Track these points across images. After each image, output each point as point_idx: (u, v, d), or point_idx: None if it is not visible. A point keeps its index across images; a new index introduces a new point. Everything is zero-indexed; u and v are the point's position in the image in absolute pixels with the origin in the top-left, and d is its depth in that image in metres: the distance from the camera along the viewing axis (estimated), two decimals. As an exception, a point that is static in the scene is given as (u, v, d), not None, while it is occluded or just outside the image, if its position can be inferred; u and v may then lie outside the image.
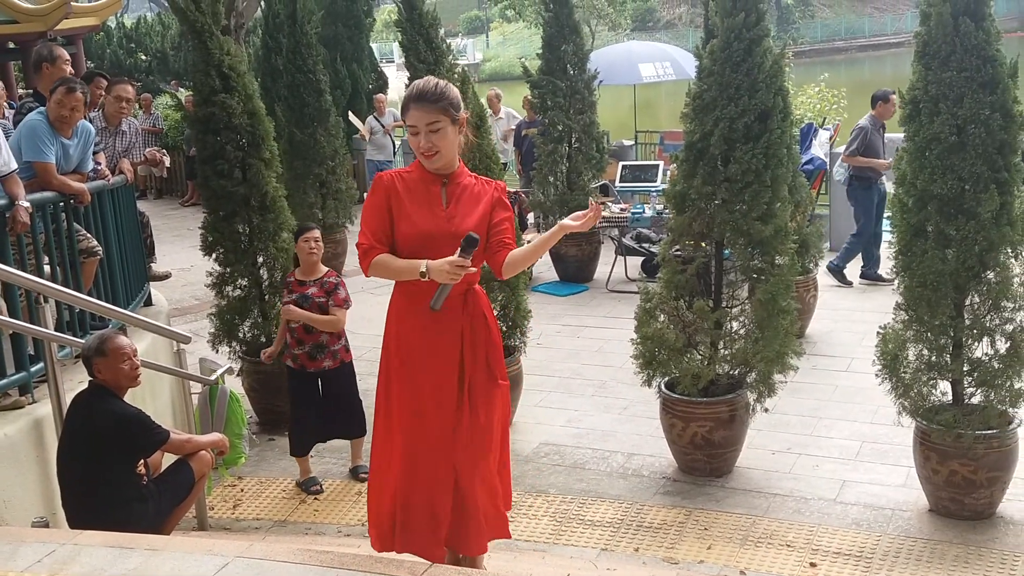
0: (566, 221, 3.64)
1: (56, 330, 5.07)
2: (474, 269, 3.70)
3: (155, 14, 37.02)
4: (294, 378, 6.36)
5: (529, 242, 10.15)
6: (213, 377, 6.00)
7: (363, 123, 15.99)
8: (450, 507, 3.90)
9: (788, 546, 5.33)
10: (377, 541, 4.10)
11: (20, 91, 14.43)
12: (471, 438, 3.84)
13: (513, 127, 14.29)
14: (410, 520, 3.94)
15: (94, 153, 6.35)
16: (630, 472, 6.39)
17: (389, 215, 3.79)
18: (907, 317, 5.53)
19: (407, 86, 7.55)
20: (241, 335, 7.44)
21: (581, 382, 8.05)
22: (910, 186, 5.39)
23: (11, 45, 16.43)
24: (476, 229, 3.71)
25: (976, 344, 5.45)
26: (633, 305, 6.60)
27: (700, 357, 6.12)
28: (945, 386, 5.59)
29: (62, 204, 5.78)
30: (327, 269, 6.44)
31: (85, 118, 6.19)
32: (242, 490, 6.37)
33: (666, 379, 6.24)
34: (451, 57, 7.69)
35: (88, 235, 6.06)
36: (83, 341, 5.11)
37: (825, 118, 12.31)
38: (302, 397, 6.33)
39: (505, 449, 4.12)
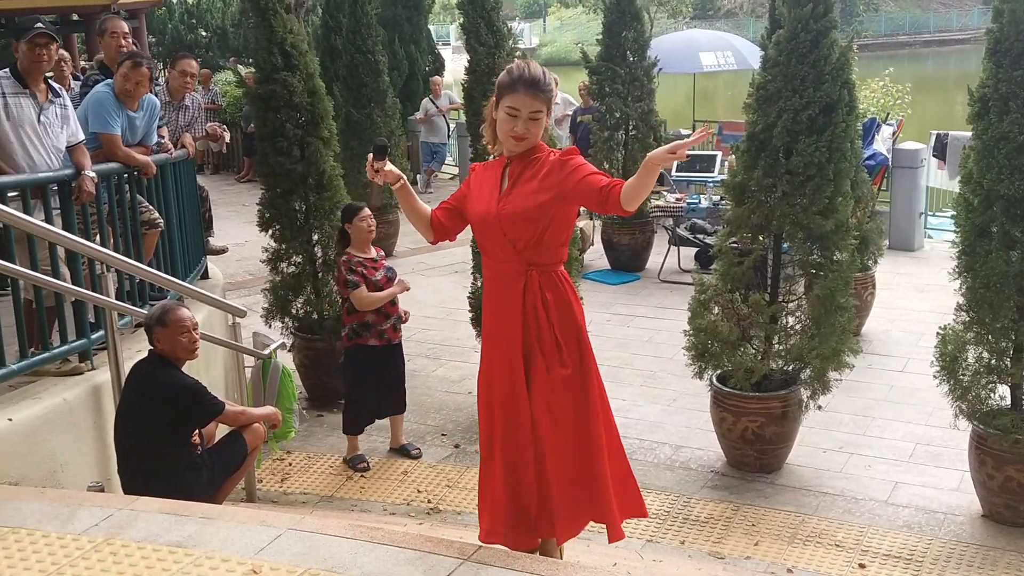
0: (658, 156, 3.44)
1: (117, 299, 5.14)
2: (399, 175, 3.72)
3: (217, -10, 37.38)
4: (357, 356, 6.36)
5: (582, 229, 10.08)
6: (266, 352, 6.06)
7: (422, 113, 16.09)
8: (534, 493, 3.84)
9: (837, 546, 5.28)
10: (484, 533, 3.94)
11: (83, 63, 14.67)
12: (540, 423, 3.77)
13: (569, 113, 14.23)
14: (503, 512, 3.88)
15: (158, 127, 6.43)
16: (678, 464, 6.36)
17: (463, 195, 3.92)
18: (968, 319, 5.44)
19: (467, 69, 7.65)
20: (294, 311, 7.51)
21: (630, 372, 8.02)
22: (976, 185, 5.29)
23: (75, 17, 16.71)
24: (529, 204, 3.66)
25: (1038, 348, 5.35)
26: (685, 296, 6.55)
27: (754, 351, 6.07)
28: (1004, 390, 5.49)
29: (126, 176, 5.86)
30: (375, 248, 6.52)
31: (151, 92, 6.26)
32: (290, 464, 6.43)
33: (718, 372, 6.20)
34: (512, 41, 7.67)
35: (150, 207, 6.14)
36: (143, 311, 5.18)
37: (888, 113, 12.10)
38: (363, 376, 6.37)
39: (593, 436, 3.86)
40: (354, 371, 6.41)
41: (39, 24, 5.27)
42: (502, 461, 3.86)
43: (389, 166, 3.71)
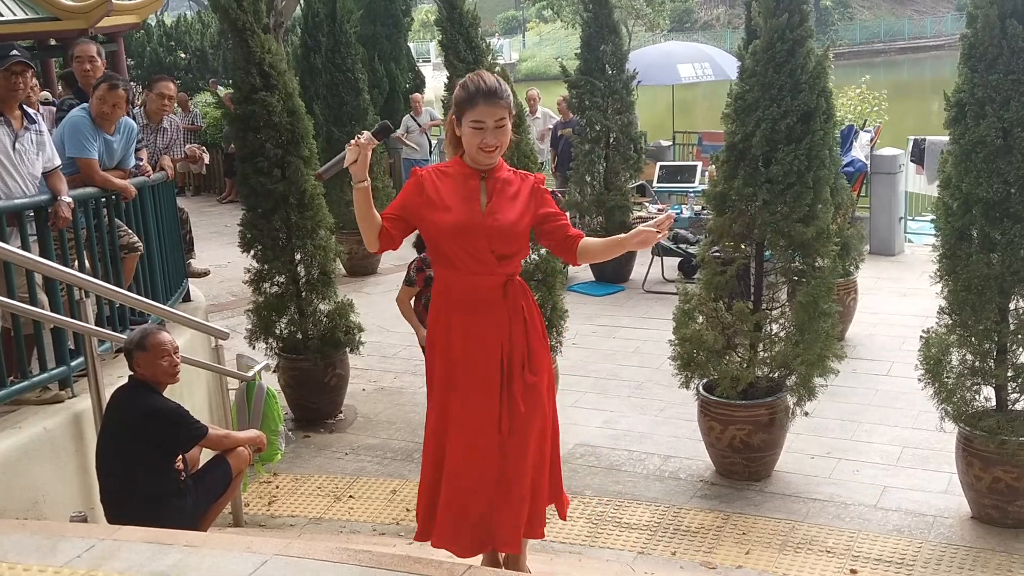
0: (643, 228, 3.58)
1: (96, 325, 5.10)
2: (367, 141, 3.59)
3: (195, 13, 37.33)
4: None
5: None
6: (250, 373, 6.02)
7: (403, 131, 16.05)
8: (487, 501, 3.86)
9: (828, 552, 5.27)
10: (419, 532, 4.06)
11: (60, 87, 14.61)
12: (511, 430, 3.81)
13: (550, 127, 14.26)
14: (448, 513, 3.91)
15: (136, 150, 6.39)
16: (667, 475, 6.35)
17: (413, 202, 3.77)
18: (951, 321, 5.45)
19: (446, 85, 7.65)
20: (278, 332, 7.47)
21: (617, 383, 8.01)
22: (955, 189, 5.30)
23: (52, 42, 16.63)
24: (517, 221, 3.74)
25: (1021, 349, 5.36)
26: (669, 306, 6.55)
27: (739, 359, 6.07)
28: (989, 391, 5.51)
29: (104, 199, 5.81)
30: None
31: (128, 115, 6.23)
32: (277, 487, 6.38)
33: (704, 381, 6.19)
34: (490, 56, 7.67)
35: (129, 231, 6.09)
36: (123, 336, 5.14)
37: (866, 120, 12.19)
38: None
39: (550, 443, 4.03)
40: None
41: (14, 52, 5.23)
42: (457, 468, 3.88)
43: (367, 156, 3.59)
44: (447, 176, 3.81)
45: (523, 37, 64.82)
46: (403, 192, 3.83)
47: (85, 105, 6.00)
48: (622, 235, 3.75)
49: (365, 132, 3.64)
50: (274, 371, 7.26)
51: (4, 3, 15.22)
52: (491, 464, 3.83)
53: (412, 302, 6.36)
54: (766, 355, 6.06)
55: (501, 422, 3.78)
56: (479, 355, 3.80)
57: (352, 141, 3.59)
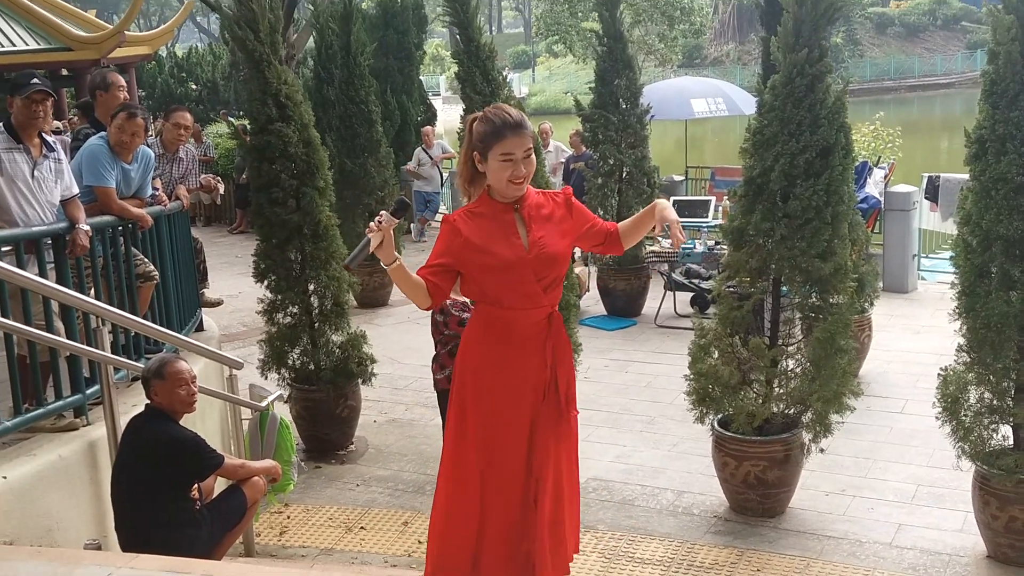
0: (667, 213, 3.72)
1: (112, 353, 5.09)
2: (395, 221, 3.56)
3: (206, 44, 37.70)
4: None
5: (578, 275, 10.07)
6: (263, 404, 6.00)
7: (415, 164, 16.13)
8: (521, 539, 3.83)
9: (844, 591, 5.21)
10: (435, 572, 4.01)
11: (72, 117, 14.70)
12: (543, 467, 3.78)
13: (562, 160, 14.29)
14: (484, 558, 3.87)
15: (152, 179, 6.41)
16: (680, 510, 6.30)
17: (454, 246, 3.74)
18: (969, 359, 5.42)
19: (462, 118, 7.67)
20: (290, 362, 7.45)
21: (630, 417, 7.97)
22: (975, 226, 5.29)
23: (64, 72, 16.77)
24: (559, 245, 3.78)
25: (1040, 388, 5.32)
26: (682, 341, 6.52)
27: (755, 395, 6.03)
28: (1007, 430, 5.46)
29: (120, 228, 5.83)
30: None
31: (144, 144, 6.26)
32: (288, 517, 6.34)
33: (719, 416, 6.16)
34: (507, 89, 7.72)
35: (145, 259, 6.10)
36: (139, 364, 5.13)
37: (880, 157, 12.18)
38: None
39: (574, 482, 4.04)
40: None
41: (35, 80, 5.27)
42: (493, 508, 3.86)
43: (391, 237, 3.53)
44: (480, 216, 3.76)
45: (533, 72, 65.21)
46: (440, 241, 3.78)
47: (103, 134, 6.04)
48: (644, 210, 3.90)
49: (384, 212, 3.53)
50: (286, 401, 7.25)
51: (18, 33, 15.39)
52: (522, 500, 3.80)
53: (432, 323, 6.23)
54: (782, 391, 6.03)
55: (534, 459, 3.76)
56: (521, 388, 3.77)
57: (372, 224, 3.51)
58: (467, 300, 5.99)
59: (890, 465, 6.85)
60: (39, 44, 15.44)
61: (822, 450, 6.10)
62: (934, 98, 53.29)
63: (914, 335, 9.95)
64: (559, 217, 3.80)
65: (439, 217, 17.29)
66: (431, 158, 16.26)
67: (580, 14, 31.53)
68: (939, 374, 5.57)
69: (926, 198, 12.19)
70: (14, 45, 15.25)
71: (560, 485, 3.90)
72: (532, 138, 3.74)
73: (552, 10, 33.25)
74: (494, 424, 3.84)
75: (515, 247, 3.70)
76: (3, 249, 4.79)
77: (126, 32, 16.16)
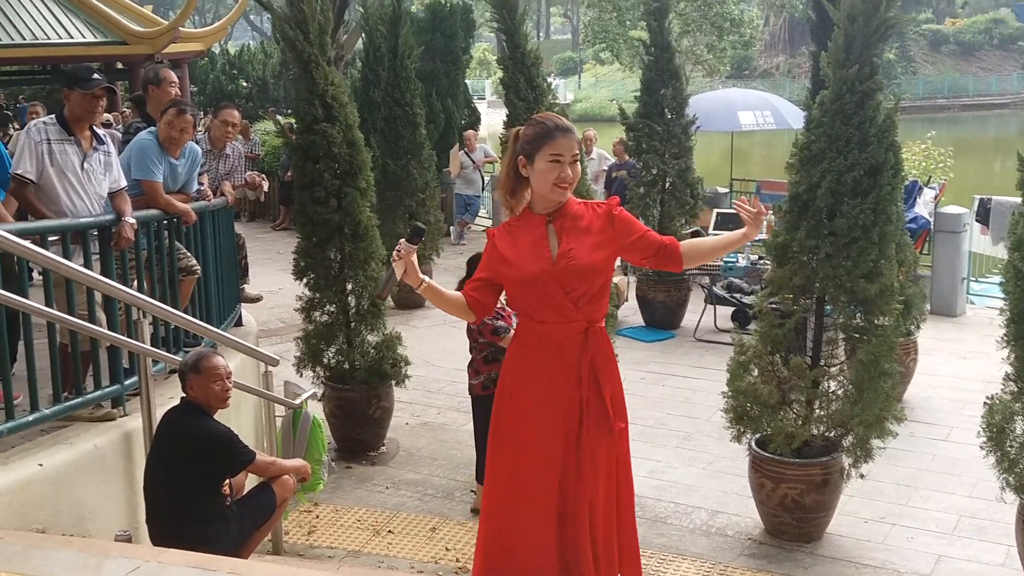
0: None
1: (152, 345, 5.11)
2: (413, 248, 3.66)
3: (258, 43, 38.05)
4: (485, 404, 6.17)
5: (616, 285, 9.97)
6: (298, 401, 6.01)
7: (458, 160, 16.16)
8: (555, 552, 3.77)
9: (879, 620, 5.11)
10: None
11: (126, 109, 14.88)
12: (580, 482, 3.72)
13: (604, 168, 14.24)
14: (513, 564, 3.84)
15: (198, 175, 6.45)
16: (714, 530, 6.21)
17: (491, 261, 3.84)
18: (1017, 388, 5.28)
19: (505, 123, 7.64)
20: (326, 361, 7.46)
21: (665, 432, 7.89)
22: (1026, 252, 5.16)
23: (119, 65, 17.00)
24: (591, 257, 3.68)
25: (1089, 421, 5.18)
26: (721, 356, 6.44)
27: (794, 416, 5.93)
28: (1054, 463, 5.32)
29: (165, 222, 5.86)
30: None
31: (192, 140, 6.30)
32: (317, 516, 6.34)
33: (757, 436, 6.06)
34: (551, 96, 7.68)
35: (188, 254, 6.14)
36: (177, 357, 5.15)
37: (930, 177, 12.01)
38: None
39: (624, 499, 3.91)
40: (485, 420, 6.17)
41: (97, 75, 5.31)
42: (536, 521, 3.80)
43: (414, 262, 3.65)
44: (516, 228, 3.81)
45: (579, 78, 65.17)
46: (483, 255, 3.91)
47: (153, 129, 6.07)
48: (733, 234, 3.82)
49: (402, 241, 3.66)
50: (320, 400, 7.26)
51: (76, 26, 15.61)
52: (552, 514, 3.75)
53: (467, 329, 6.21)
54: (822, 413, 5.92)
55: (569, 472, 3.71)
56: (553, 401, 3.73)
57: (394, 255, 3.65)
58: (502, 306, 5.98)
59: (932, 494, 6.71)
60: (95, 37, 15.67)
61: (862, 475, 5.98)
62: (988, 118, 52.54)
63: (961, 360, 9.78)
64: (597, 228, 3.71)
65: (478, 221, 17.35)
66: (473, 161, 16.29)
67: (628, 23, 31.49)
68: (985, 402, 5.44)
69: (977, 220, 11.98)
70: (71, 37, 15.49)
71: (612, 502, 3.81)
72: (579, 146, 3.73)
73: (600, 18, 33.24)
74: (524, 438, 3.81)
75: (542, 260, 3.69)
76: (50, 239, 4.83)
77: (180, 28, 16.36)
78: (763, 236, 9.68)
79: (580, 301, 3.68)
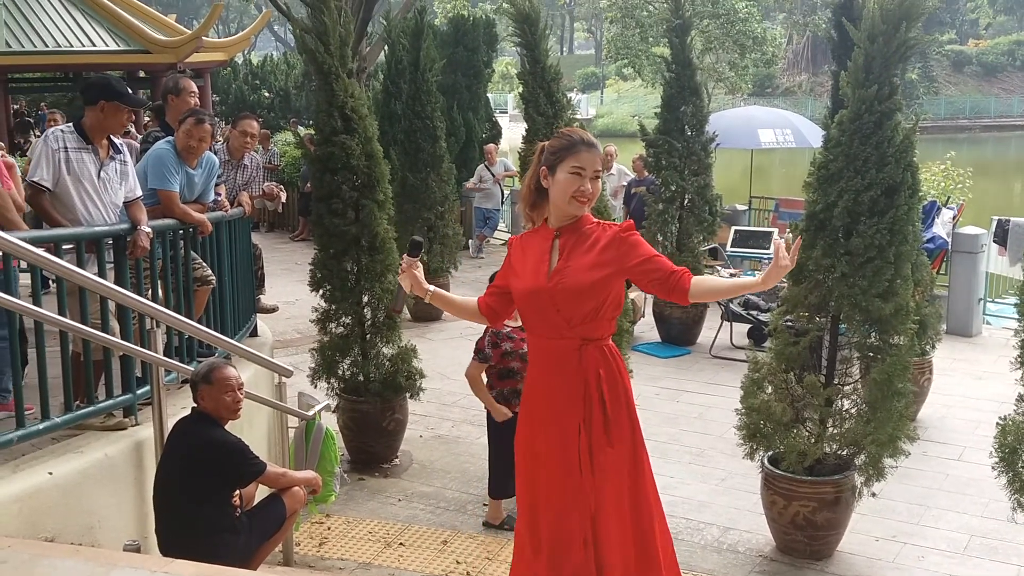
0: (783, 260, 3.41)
1: (164, 355, 5.14)
2: (418, 264, 3.84)
3: (281, 53, 38.27)
4: (505, 422, 6.07)
5: (633, 300, 9.97)
6: (311, 413, 6.02)
7: (476, 180, 16.25)
8: (575, 564, 3.75)
9: (890, 642, 5.07)
10: None
11: (146, 118, 15.00)
12: (584, 500, 3.68)
13: (624, 184, 14.23)
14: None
15: (216, 185, 6.48)
16: (725, 547, 6.18)
17: (505, 271, 3.93)
18: (1030, 410, 5.25)
19: (524, 138, 7.66)
20: (340, 372, 7.48)
21: (678, 448, 7.86)
22: (1043, 273, 5.13)
23: (141, 74, 17.14)
24: (585, 278, 3.62)
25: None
26: (736, 373, 6.41)
27: (807, 434, 5.91)
28: (1066, 485, 5.28)
29: (181, 232, 5.89)
30: None
31: (211, 150, 6.33)
32: (329, 528, 6.34)
33: (770, 453, 6.04)
34: (570, 112, 7.69)
35: (203, 264, 6.16)
36: (190, 367, 5.17)
37: (949, 197, 11.95)
38: (509, 440, 6.23)
39: (630, 522, 3.77)
40: (499, 435, 6.16)
41: (134, 93, 5.37)
42: (550, 547, 3.76)
43: (419, 274, 3.80)
44: (529, 239, 3.84)
45: (601, 93, 65.21)
46: (504, 263, 3.98)
47: (171, 138, 6.11)
48: (751, 279, 3.59)
49: (405, 256, 3.84)
50: (333, 411, 7.27)
51: (99, 34, 15.75)
52: (569, 530, 3.72)
53: (484, 376, 6.25)
54: (835, 431, 5.89)
55: (576, 489, 3.67)
56: (552, 424, 3.72)
57: (400, 270, 3.86)
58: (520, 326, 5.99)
59: (944, 513, 6.67)
60: (118, 45, 15.80)
61: (874, 494, 5.95)
62: (1009, 139, 52.24)
63: (976, 381, 9.71)
64: (600, 248, 3.64)
65: (497, 235, 17.37)
66: (493, 175, 16.31)
67: (651, 39, 31.49)
68: (998, 423, 5.41)
69: (995, 241, 11.92)
70: (94, 45, 15.62)
71: (624, 523, 3.71)
72: (602, 162, 3.73)
73: (623, 34, 33.25)
74: (535, 447, 3.81)
75: (540, 275, 3.69)
76: (65, 247, 4.86)
77: (204, 38, 16.45)
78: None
79: (573, 320, 3.63)
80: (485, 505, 6.63)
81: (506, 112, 46.39)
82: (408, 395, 7.51)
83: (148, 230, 5.28)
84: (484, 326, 5.61)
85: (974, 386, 9.53)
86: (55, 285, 4.87)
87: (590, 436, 3.66)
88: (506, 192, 16.85)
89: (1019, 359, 5.30)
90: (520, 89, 7.95)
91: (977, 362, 10.38)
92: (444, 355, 10.29)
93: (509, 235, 16.76)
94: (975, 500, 6.81)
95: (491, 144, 17.26)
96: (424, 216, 12.07)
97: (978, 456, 6.75)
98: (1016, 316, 5.47)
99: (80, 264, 4.82)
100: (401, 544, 6.12)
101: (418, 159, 12.19)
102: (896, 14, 5.61)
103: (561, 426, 3.69)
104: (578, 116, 9.41)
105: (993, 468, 5.37)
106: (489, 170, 16.31)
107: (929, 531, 6.41)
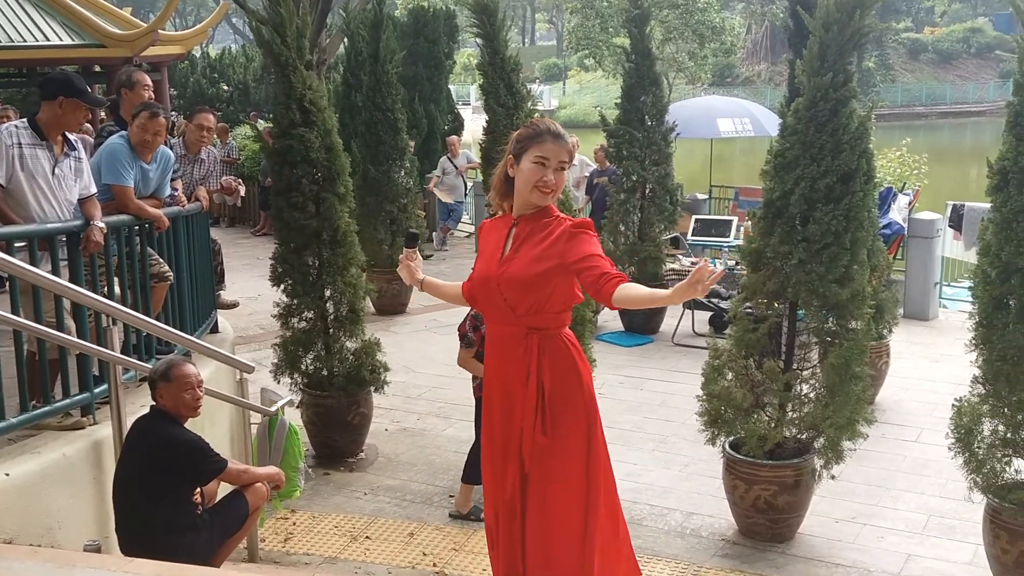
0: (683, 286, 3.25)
1: (122, 353, 5.09)
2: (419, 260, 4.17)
3: (240, 46, 37.91)
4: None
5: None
6: (274, 408, 6.00)
7: (439, 172, 16.20)
8: (519, 551, 3.78)
9: (850, 622, 5.14)
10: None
11: (102, 114, 14.82)
12: (525, 490, 3.73)
13: (586, 175, 14.27)
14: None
15: (172, 179, 6.42)
16: (688, 532, 6.24)
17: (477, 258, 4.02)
18: (984, 391, 5.34)
19: (485, 129, 7.67)
20: (303, 367, 7.44)
21: (642, 436, 7.92)
22: (994, 257, 5.21)
23: (97, 68, 16.90)
24: (528, 269, 3.63)
25: (1056, 422, 5.23)
26: (698, 360, 6.47)
27: (767, 419, 5.97)
28: (1020, 464, 5.37)
29: (136, 228, 5.83)
30: None
31: (166, 144, 6.27)
32: (294, 523, 6.33)
33: (731, 439, 6.10)
34: (530, 102, 7.70)
35: (160, 260, 6.10)
36: (148, 365, 5.13)
37: (905, 183, 12.09)
38: None
39: (583, 514, 3.74)
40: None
41: (91, 92, 5.30)
42: (500, 520, 3.86)
43: (415, 265, 4.11)
44: (493, 225, 3.92)
45: (563, 84, 65.25)
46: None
47: (124, 133, 6.05)
48: (666, 291, 3.38)
49: (404, 247, 4.18)
50: (297, 407, 7.24)
51: (53, 28, 15.51)
52: (516, 518, 3.76)
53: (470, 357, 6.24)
54: (795, 416, 5.97)
55: (514, 483, 3.72)
56: (499, 404, 3.77)
57: (399, 261, 4.19)
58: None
59: (902, 494, 6.77)
60: (72, 40, 15.54)
61: (833, 477, 6.03)
62: (965, 126, 52.90)
63: (932, 363, 9.85)
64: (550, 242, 3.62)
65: (461, 227, 17.35)
66: (455, 167, 16.29)
67: (611, 29, 31.59)
68: (953, 405, 5.50)
69: (950, 226, 12.09)
70: (48, 40, 15.39)
71: (550, 510, 3.72)
72: (569, 155, 3.73)
73: (584, 25, 33.34)
74: (490, 438, 3.88)
75: (492, 262, 3.76)
76: (17, 245, 4.79)
77: (160, 31, 16.24)
78: (739, 242, 9.74)
79: (518, 309, 3.66)
80: (451, 496, 6.64)
81: (469, 104, 46.29)
82: (373, 389, 7.49)
83: (102, 225, 5.21)
84: (459, 318, 5.75)
85: (931, 369, 9.67)
86: (8, 284, 4.80)
87: (532, 424, 3.68)
88: (469, 184, 16.84)
89: (974, 341, 5.39)
90: (481, 80, 7.95)
91: (934, 345, 10.53)
92: (409, 348, 10.29)
93: (472, 227, 16.76)
94: (933, 481, 6.92)
95: (453, 136, 17.23)
96: (387, 209, 12.02)
97: (935, 437, 6.86)
98: (971, 299, 5.56)
99: (33, 262, 4.75)
100: (367, 537, 6.12)
101: (379, 151, 12.12)
102: (850, 2, 5.67)
103: (505, 408, 3.75)
104: (539, 107, 9.44)
105: (950, 449, 5.45)
106: (452, 162, 16.29)
107: (888, 512, 6.51)
